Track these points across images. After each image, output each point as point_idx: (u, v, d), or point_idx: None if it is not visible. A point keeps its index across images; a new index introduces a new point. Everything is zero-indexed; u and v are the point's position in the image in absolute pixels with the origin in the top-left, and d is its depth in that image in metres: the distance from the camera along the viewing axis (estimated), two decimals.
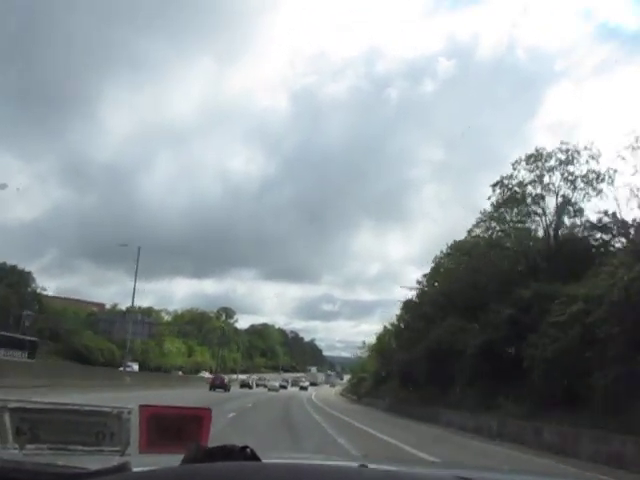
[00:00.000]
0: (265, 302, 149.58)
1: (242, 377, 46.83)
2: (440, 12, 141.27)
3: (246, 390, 41.02)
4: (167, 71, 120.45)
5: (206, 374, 52.71)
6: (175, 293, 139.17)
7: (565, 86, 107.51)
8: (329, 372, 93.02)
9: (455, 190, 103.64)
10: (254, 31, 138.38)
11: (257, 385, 51.02)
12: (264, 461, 0.64)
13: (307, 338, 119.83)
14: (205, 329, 68.35)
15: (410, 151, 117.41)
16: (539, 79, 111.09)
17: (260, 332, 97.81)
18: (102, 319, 48.15)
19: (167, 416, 0.90)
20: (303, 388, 60.66)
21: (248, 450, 0.66)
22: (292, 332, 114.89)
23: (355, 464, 0.89)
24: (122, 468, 0.66)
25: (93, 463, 0.75)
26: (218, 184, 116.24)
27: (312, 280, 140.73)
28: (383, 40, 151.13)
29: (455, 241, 24.29)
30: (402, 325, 30.30)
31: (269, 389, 46.55)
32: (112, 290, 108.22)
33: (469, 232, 22.65)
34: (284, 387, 55.32)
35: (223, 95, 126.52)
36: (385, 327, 36.87)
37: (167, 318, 65.69)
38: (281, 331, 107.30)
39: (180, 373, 49.81)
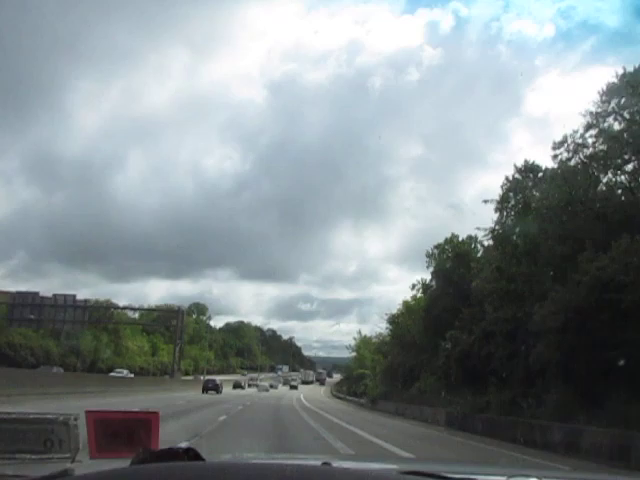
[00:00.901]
0: (241, 302, 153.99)
1: (208, 377, 47.61)
2: (421, 4, 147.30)
3: (239, 391, 45.07)
4: (138, 61, 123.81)
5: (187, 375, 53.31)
6: (149, 295, 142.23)
7: (545, 81, 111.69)
8: (320, 370, 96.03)
9: (434, 187, 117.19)
10: (230, 21, 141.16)
11: (249, 385, 55.45)
12: (207, 461, 0.71)
13: (285, 337, 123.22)
14: (173, 326, 68.30)
15: (389, 148, 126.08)
16: (518, 75, 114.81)
17: (236, 330, 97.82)
18: (24, 304, 40.41)
19: (115, 421, 0.99)
20: (293, 387, 64.50)
21: (192, 452, 0.76)
22: (269, 330, 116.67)
23: (318, 462, 1.01)
24: (64, 474, 0.75)
25: (43, 471, 0.83)
26: (192, 181, 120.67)
27: (289, 279, 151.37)
28: (364, 33, 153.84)
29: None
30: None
31: (259, 389, 49.60)
32: (85, 292, 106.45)
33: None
34: (274, 387, 59.69)
35: (197, 87, 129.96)
36: (407, 303, 31.31)
37: (134, 316, 64.62)
38: (258, 329, 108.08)
39: (127, 373, 41.51)
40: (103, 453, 0.96)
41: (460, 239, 26.82)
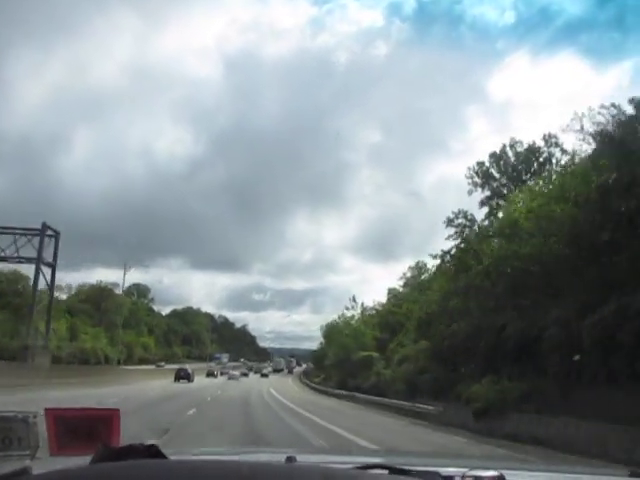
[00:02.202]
0: (193, 292, 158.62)
1: (180, 367, 51.25)
2: None
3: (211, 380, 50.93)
4: (85, 31, 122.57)
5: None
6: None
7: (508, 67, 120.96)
8: (289, 358, 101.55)
9: (393, 174, 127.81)
10: None
11: (221, 374, 62.64)
12: (167, 459, 0.79)
13: (238, 325, 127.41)
14: (105, 307, 63.48)
15: (347, 133, 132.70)
16: (478, 61, 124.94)
17: (182, 316, 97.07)
18: None
19: (74, 418, 1.11)
20: (264, 375, 70.41)
21: (153, 449, 0.87)
22: (221, 317, 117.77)
23: (282, 457, 1.16)
24: (21, 472, 0.86)
25: (1, 468, 0.95)
26: (142, 163, 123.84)
27: (243, 269, 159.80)
28: (324, 12, 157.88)
29: None
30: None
31: (229, 377, 55.61)
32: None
33: None
34: (245, 375, 67.57)
35: (148, 60, 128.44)
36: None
37: (62, 297, 62.05)
38: (208, 316, 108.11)
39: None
40: (63, 450, 1.08)
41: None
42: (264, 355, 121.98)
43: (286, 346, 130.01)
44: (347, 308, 46.24)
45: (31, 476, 0.78)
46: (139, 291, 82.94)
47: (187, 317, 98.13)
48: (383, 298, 45.73)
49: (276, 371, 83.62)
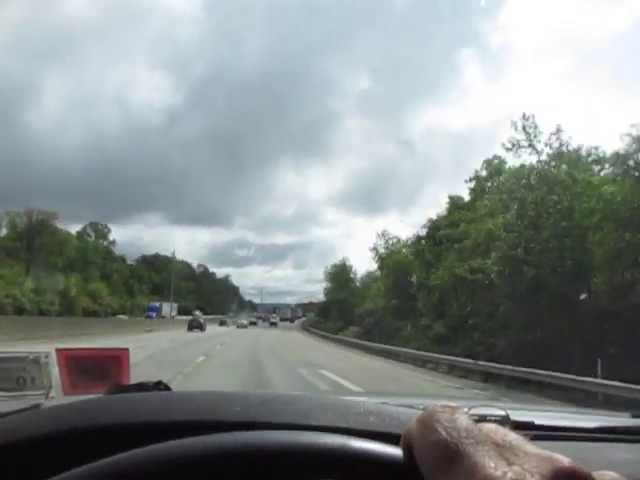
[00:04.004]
0: (173, 249, 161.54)
1: (192, 317, 58.22)
2: None
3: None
4: None
5: None
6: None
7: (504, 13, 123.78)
8: (293, 307, 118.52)
9: (381, 123, 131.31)
10: None
11: (228, 323, 75.78)
12: (175, 391, 0.97)
13: (219, 276, 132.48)
14: (39, 245, 59.28)
15: (333, 79, 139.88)
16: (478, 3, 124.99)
17: (152, 262, 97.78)
18: None
19: (85, 358, 1.32)
20: (273, 324, 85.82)
21: (162, 385, 1.07)
22: (201, 266, 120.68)
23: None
24: (35, 407, 1.07)
25: (17, 407, 1.16)
26: (116, 113, 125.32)
27: (224, 224, 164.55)
28: None
29: None
30: None
31: (237, 326, 68.19)
32: None
33: None
34: (254, 323, 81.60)
35: None
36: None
37: None
38: (185, 264, 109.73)
39: None
40: (76, 389, 1.30)
41: None
42: (250, 308, 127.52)
43: (268, 301, 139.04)
44: (382, 236, 47.50)
45: (41, 410, 0.99)
46: (97, 231, 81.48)
47: (158, 264, 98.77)
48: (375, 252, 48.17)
49: (284, 320, 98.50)
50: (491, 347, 22.51)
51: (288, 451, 0.47)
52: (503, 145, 24.26)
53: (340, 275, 63.39)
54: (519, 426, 1.18)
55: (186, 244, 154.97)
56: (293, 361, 22.63)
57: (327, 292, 69.99)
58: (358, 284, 61.37)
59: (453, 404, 0.46)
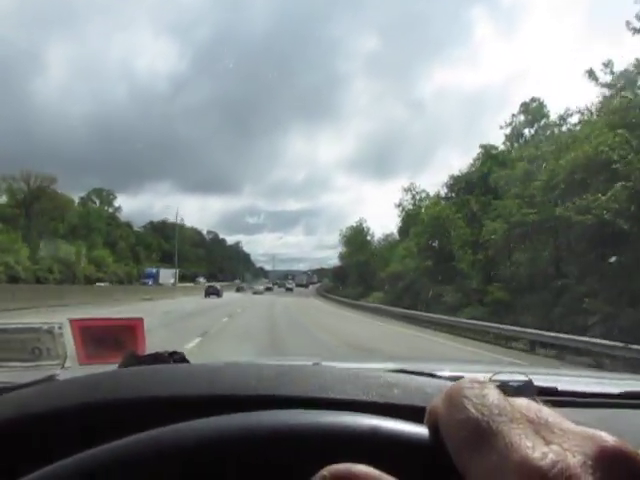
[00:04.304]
0: (183, 217, 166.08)
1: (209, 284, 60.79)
2: None
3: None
4: None
5: None
6: None
7: None
8: (309, 273, 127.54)
9: (391, 85, 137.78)
10: None
11: (245, 289, 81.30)
12: (191, 363, 1.00)
13: (230, 242, 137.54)
14: (38, 211, 57.72)
15: (342, 40, 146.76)
16: None
17: (161, 229, 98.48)
18: None
19: (99, 328, 1.35)
20: (289, 289, 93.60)
21: (177, 355, 1.09)
22: (210, 232, 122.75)
23: (309, 363, 1.42)
24: (49, 379, 1.10)
25: (33, 377, 1.19)
26: (123, 82, 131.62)
27: (235, 191, 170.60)
28: None
29: None
30: None
31: (254, 292, 72.83)
32: None
33: None
34: (270, 289, 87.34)
35: None
36: None
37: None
38: (194, 230, 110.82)
39: None
40: (91, 359, 1.32)
41: None
42: (261, 274, 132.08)
43: (280, 268, 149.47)
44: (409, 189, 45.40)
45: (57, 382, 1.01)
46: (101, 197, 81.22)
47: (167, 231, 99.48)
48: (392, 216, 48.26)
49: (299, 285, 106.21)
50: (606, 318, 16.86)
51: (313, 432, 0.46)
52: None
53: (356, 238, 62.86)
54: (542, 392, 1.19)
55: (197, 212, 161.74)
56: (330, 340, 17.27)
57: (342, 256, 70.01)
58: (374, 247, 60.74)
59: (481, 378, 0.44)
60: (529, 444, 0.37)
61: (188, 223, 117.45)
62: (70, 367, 1.30)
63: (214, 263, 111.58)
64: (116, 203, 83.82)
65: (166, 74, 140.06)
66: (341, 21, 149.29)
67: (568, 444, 0.37)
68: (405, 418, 0.48)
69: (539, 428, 0.39)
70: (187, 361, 1.02)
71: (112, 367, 1.12)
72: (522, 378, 1.11)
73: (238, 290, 78.05)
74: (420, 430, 0.45)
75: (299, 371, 0.69)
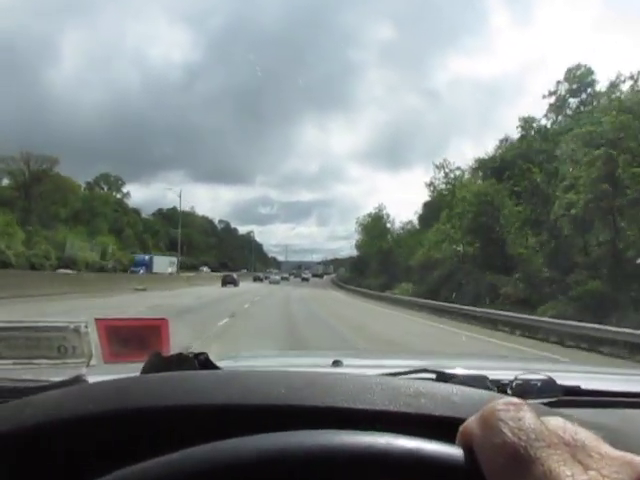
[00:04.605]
0: (196, 207, 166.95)
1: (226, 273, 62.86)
2: None
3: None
4: None
5: None
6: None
7: None
8: (324, 263, 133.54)
9: (404, 74, 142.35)
10: None
11: (266, 278, 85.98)
12: (217, 371, 1.01)
13: (242, 232, 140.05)
14: (38, 194, 55.78)
15: (356, 29, 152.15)
16: None
17: (170, 217, 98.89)
18: None
19: (124, 327, 1.40)
20: (305, 279, 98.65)
21: (202, 357, 1.12)
22: (222, 222, 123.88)
23: (329, 361, 1.46)
24: (75, 380, 1.14)
25: (60, 375, 1.24)
26: (137, 72, 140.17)
27: (247, 181, 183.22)
28: None
29: None
30: None
31: (270, 282, 76.72)
32: None
33: None
34: (286, 279, 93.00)
35: None
36: None
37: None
38: (206, 219, 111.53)
39: None
40: (116, 358, 1.38)
41: None
42: (274, 265, 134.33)
43: (293, 259, 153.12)
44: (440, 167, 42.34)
45: (85, 385, 1.05)
46: (109, 183, 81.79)
47: (176, 218, 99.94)
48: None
49: (315, 276, 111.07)
50: None
51: (342, 455, 0.47)
52: None
53: (375, 225, 61.92)
54: (565, 391, 1.22)
55: (209, 202, 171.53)
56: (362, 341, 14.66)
57: (360, 245, 69.06)
58: (394, 236, 59.38)
59: (516, 400, 0.45)
60: (568, 472, 0.37)
61: (200, 212, 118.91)
62: (95, 365, 1.35)
63: (225, 252, 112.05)
64: (125, 189, 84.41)
65: (179, 63, 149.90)
66: (355, 10, 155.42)
67: (607, 470, 0.37)
68: (433, 428, 0.50)
69: (576, 452, 0.39)
70: (211, 362, 1.07)
71: (137, 366, 1.16)
72: (544, 378, 1.14)
73: (256, 280, 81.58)
74: (455, 452, 0.46)
75: (327, 379, 0.70)
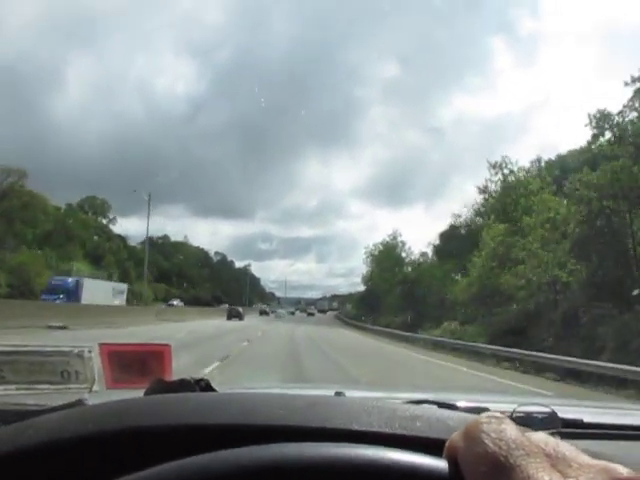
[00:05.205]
0: (194, 242, 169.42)
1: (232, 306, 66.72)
2: None
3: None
4: None
5: None
6: None
7: None
8: (328, 299, 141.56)
9: (408, 110, 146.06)
10: None
11: (272, 312, 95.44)
12: (217, 392, 1.12)
13: (239, 265, 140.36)
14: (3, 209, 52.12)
15: (360, 67, 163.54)
16: None
17: (160, 247, 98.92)
18: None
19: (127, 353, 1.48)
20: (310, 314, 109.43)
21: (203, 383, 1.21)
22: (218, 254, 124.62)
23: (331, 392, 1.54)
24: (76, 403, 1.22)
25: (62, 401, 1.32)
26: (139, 103, 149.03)
27: (247, 217, 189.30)
28: None
29: None
30: None
31: (276, 316, 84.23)
32: None
33: None
34: (292, 313, 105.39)
35: None
36: None
37: None
38: (201, 250, 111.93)
39: None
40: (118, 384, 1.46)
41: None
42: (271, 300, 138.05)
43: (291, 295, 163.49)
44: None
45: (86, 407, 1.13)
46: (95, 206, 79.44)
47: (167, 248, 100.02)
48: None
49: (320, 312, 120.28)
50: None
51: (337, 465, 0.53)
52: None
53: (389, 255, 60.03)
54: (567, 424, 1.30)
55: (208, 236, 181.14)
56: None
57: (368, 278, 67.55)
58: (409, 268, 56.70)
59: (499, 414, 0.50)
60: (546, 477, 0.41)
61: (196, 244, 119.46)
62: (97, 391, 1.43)
63: (220, 285, 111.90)
64: (111, 215, 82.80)
65: (182, 96, 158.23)
66: (360, 47, 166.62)
67: (584, 477, 0.41)
68: (427, 451, 0.55)
69: (556, 462, 0.43)
70: (212, 388, 1.16)
71: (139, 392, 1.24)
72: (546, 410, 1.21)
73: (262, 313, 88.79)
74: (440, 464, 0.51)
75: (327, 402, 0.77)
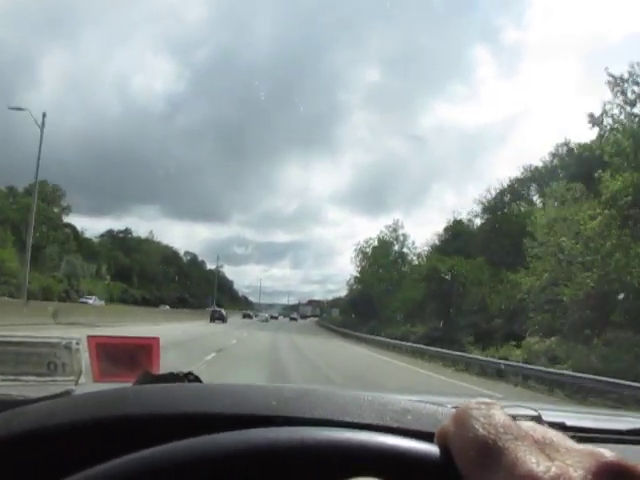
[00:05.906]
0: (167, 242, 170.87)
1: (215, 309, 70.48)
2: None
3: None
4: None
5: None
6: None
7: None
8: (312, 304, 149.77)
9: (389, 117, 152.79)
10: None
11: (256, 316, 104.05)
12: (204, 383, 1.19)
13: (211, 266, 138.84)
14: None
15: (343, 71, 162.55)
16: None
17: (122, 242, 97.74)
18: None
19: (115, 346, 1.56)
20: (293, 319, 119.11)
21: (192, 375, 1.28)
22: (188, 254, 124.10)
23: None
24: (64, 394, 1.29)
25: (47, 393, 1.39)
26: (115, 100, 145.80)
27: (222, 220, 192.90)
28: None
29: None
30: None
31: (259, 320, 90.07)
32: None
33: None
34: (275, 317, 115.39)
35: None
36: None
37: None
38: (169, 248, 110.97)
39: None
40: (106, 377, 1.54)
41: None
42: (246, 305, 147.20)
43: (266, 301, 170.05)
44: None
45: (76, 395, 1.20)
46: (45, 193, 73.78)
47: (130, 243, 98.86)
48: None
49: (303, 317, 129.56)
50: None
51: (325, 448, 0.58)
52: None
53: (387, 250, 57.00)
54: (551, 426, 1.40)
55: (181, 239, 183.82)
56: None
57: (358, 280, 65.86)
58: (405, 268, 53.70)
59: (488, 400, 0.55)
60: (534, 460, 0.45)
61: (166, 242, 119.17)
62: (84, 384, 1.50)
63: (185, 286, 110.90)
64: (64, 203, 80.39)
65: (160, 94, 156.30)
66: (343, 52, 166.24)
67: (571, 460, 0.45)
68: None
69: (544, 447, 0.48)
70: (200, 381, 1.23)
71: (126, 386, 1.31)
72: (531, 413, 1.31)
73: (245, 317, 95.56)
74: (431, 448, 0.56)
75: (318, 393, 0.82)
